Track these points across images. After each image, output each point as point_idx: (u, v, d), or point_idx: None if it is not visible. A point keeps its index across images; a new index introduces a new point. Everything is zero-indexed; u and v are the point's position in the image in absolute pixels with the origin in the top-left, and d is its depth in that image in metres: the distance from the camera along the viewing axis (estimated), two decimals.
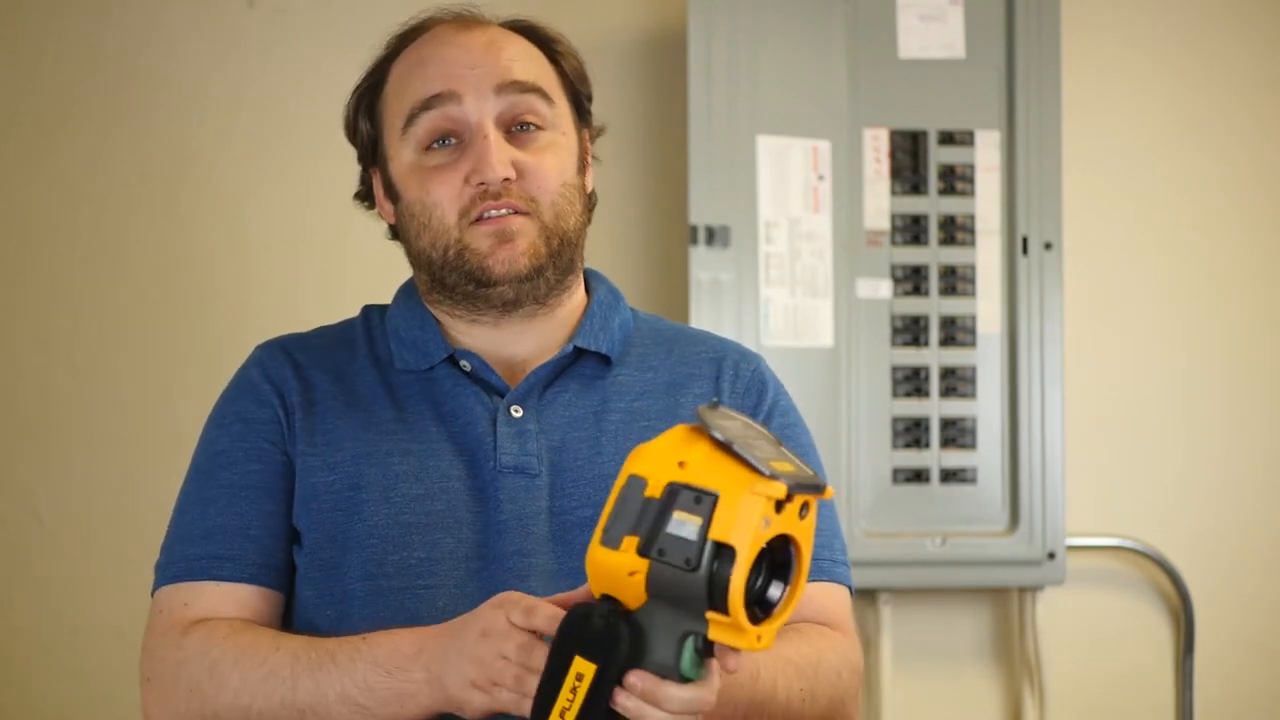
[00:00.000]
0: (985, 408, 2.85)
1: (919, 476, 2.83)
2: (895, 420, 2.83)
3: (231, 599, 1.49)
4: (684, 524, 1.14)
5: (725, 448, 1.15)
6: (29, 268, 2.81)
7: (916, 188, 2.85)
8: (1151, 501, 3.05)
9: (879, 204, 2.84)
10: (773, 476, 1.13)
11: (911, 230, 2.85)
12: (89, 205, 2.82)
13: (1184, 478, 3.06)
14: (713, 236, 2.74)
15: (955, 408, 2.85)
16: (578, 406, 1.56)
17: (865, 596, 2.91)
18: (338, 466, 1.51)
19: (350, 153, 1.65)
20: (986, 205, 2.86)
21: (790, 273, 2.78)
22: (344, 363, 1.58)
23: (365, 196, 1.66)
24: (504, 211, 1.51)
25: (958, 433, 2.84)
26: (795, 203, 2.79)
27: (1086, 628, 3.03)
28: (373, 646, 1.36)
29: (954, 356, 2.85)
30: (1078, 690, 3.01)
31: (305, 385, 1.56)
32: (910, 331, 2.84)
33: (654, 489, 1.17)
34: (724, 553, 1.13)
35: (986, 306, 2.85)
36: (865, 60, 2.83)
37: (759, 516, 1.13)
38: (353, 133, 1.63)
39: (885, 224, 2.84)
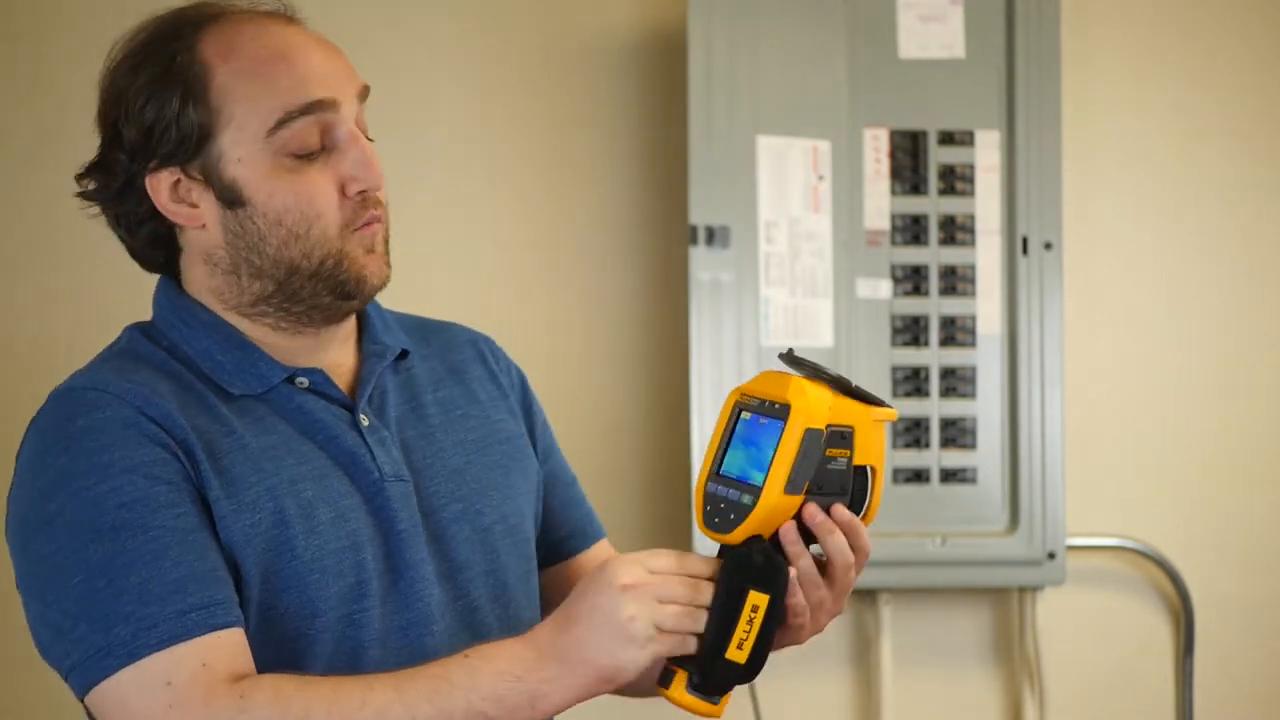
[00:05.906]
0: (985, 408, 2.85)
1: (919, 476, 2.83)
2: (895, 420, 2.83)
3: (240, 646, 1.34)
4: (836, 459, 1.36)
5: (845, 389, 1.37)
6: (29, 267, 2.81)
7: (916, 188, 2.85)
8: (1151, 501, 3.05)
9: (879, 204, 2.84)
10: (881, 404, 1.39)
11: (911, 230, 2.85)
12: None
13: (1184, 478, 3.06)
14: (713, 236, 2.74)
15: (955, 408, 2.85)
16: (398, 407, 1.53)
17: (865, 596, 2.91)
18: (256, 505, 1.39)
19: None
20: (986, 205, 2.86)
21: (790, 273, 2.78)
22: (191, 393, 1.44)
23: (114, 187, 1.56)
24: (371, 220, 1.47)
25: (958, 433, 2.84)
26: (795, 203, 2.79)
27: (1086, 628, 3.03)
28: (489, 660, 1.32)
29: (954, 356, 2.85)
30: (1078, 690, 3.01)
31: (188, 417, 1.41)
32: (910, 331, 2.84)
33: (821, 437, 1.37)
34: (861, 474, 1.38)
35: (986, 306, 2.85)
36: (865, 60, 2.83)
37: (884, 439, 1.40)
38: (159, 122, 1.53)
39: (885, 224, 2.84)
